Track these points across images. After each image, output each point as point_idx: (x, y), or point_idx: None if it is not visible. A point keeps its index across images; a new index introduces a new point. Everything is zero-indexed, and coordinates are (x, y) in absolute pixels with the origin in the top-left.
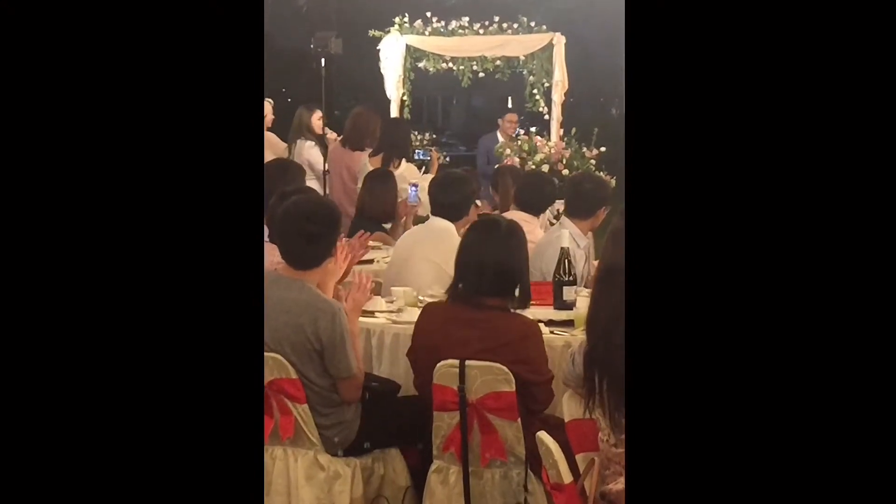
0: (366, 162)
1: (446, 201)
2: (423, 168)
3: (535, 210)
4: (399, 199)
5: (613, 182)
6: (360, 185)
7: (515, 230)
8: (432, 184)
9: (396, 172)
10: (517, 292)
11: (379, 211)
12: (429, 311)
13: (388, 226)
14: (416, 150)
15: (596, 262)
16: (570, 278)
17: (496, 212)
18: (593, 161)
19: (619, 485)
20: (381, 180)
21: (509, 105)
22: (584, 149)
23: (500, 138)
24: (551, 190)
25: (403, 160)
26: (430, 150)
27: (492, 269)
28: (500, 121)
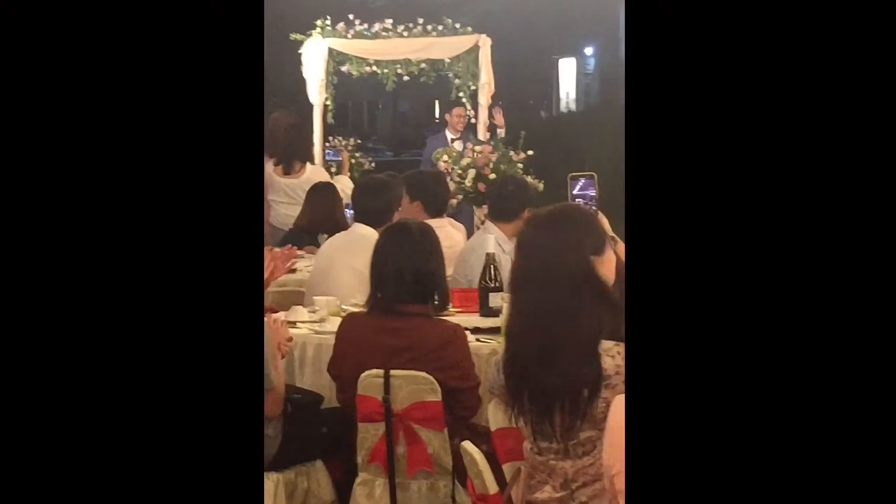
0: (271, 170)
1: (368, 207)
2: (334, 169)
3: (436, 210)
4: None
5: (541, 186)
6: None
7: (427, 233)
8: (355, 190)
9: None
10: (436, 297)
11: (325, 223)
12: (349, 322)
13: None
14: (327, 152)
15: None
16: (496, 284)
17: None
18: (521, 165)
19: (545, 493)
20: (325, 193)
21: (436, 111)
22: (512, 152)
23: (449, 136)
24: (444, 185)
25: (308, 164)
26: (341, 151)
27: (407, 275)
28: (447, 116)
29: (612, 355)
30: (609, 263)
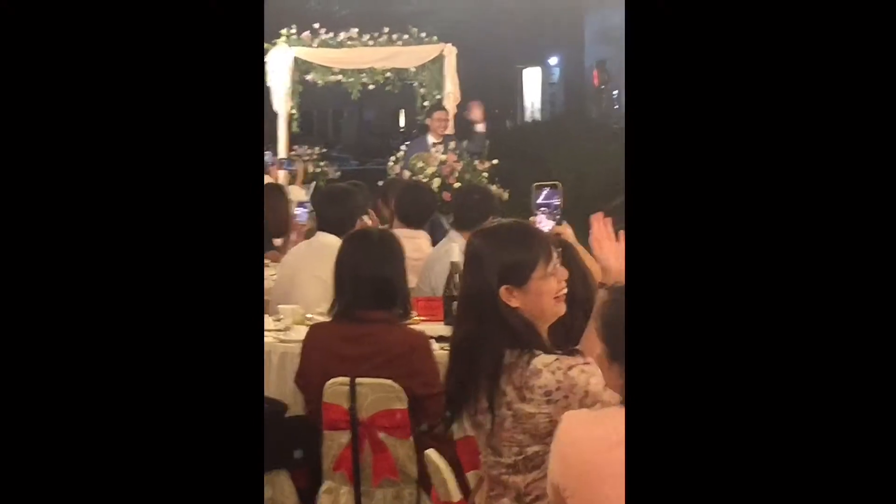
0: None
1: (332, 216)
2: (291, 178)
3: (416, 223)
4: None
5: (506, 195)
6: None
7: (389, 240)
8: (318, 198)
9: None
10: (398, 304)
11: (270, 226)
12: (314, 332)
13: (278, 242)
14: (284, 161)
15: None
16: None
17: (385, 226)
18: (486, 174)
19: None
20: (273, 195)
21: (401, 120)
22: (477, 161)
23: (431, 140)
24: (429, 201)
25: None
26: (294, 160)
27: (370, 282)
28: (428, 120)
29: (553, 371)
30: (538, 287)
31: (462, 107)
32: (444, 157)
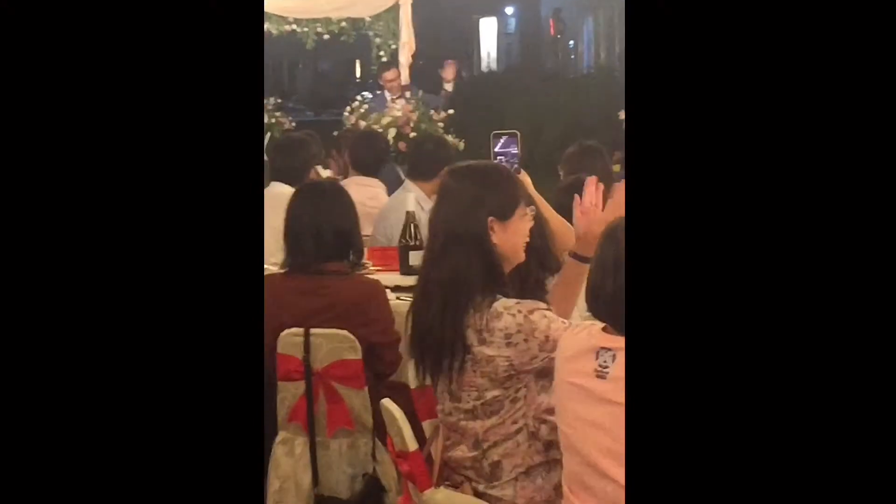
0: None
1: (285, 166)
2: None
3: (370, 170)
4: None
5: (462, 145)
6: None
7: (338, 191)
8: (271, 149)
9: None
10: (351, 254)
11: None
12: (266, 284)
13: None
14: None
15: None
16: (416, 242)
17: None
18: (441, 124)
19: (458, 452)
20: None
21: (357, 71)
22: (433, 111)
23: (388, 96)
24: (383, 147)
25: None
26: None
27: (322, 234)
28: (380, 80)
29: (514, 314)
30: (516, 226)
31: (418, 57)
32: (398, 106)
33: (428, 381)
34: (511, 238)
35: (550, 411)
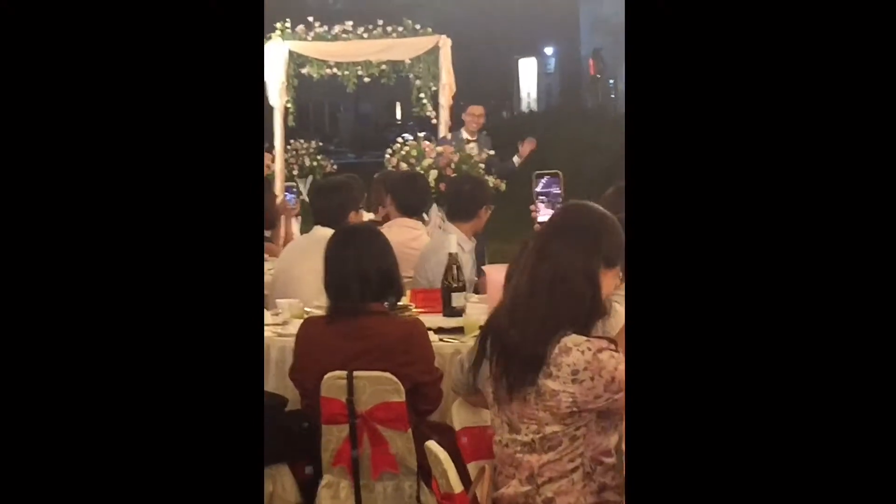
0: None
1: (326, 209)
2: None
3: (414, 211)
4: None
5: (503, 185)
6: None
7: (374, 233)
8: (313, 192)
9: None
10: (391, 295)
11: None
12: (307, 327)
13: (268, 234)
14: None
15: (485, 268)
16: (459, 284)
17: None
18: (482, 164)
19: (511, 488)
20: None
21: (397, 113)
22: (476, 153)
23: (465, 136)
24: (425, 188)
25: None
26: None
27: (360, 276)
28: (463, 116)
29: (583, 350)
30: (611, 278)
31: (458, 98)
32: (440, 148)
33: (502, 398)
34: (606, 286)
35: (608, 453)
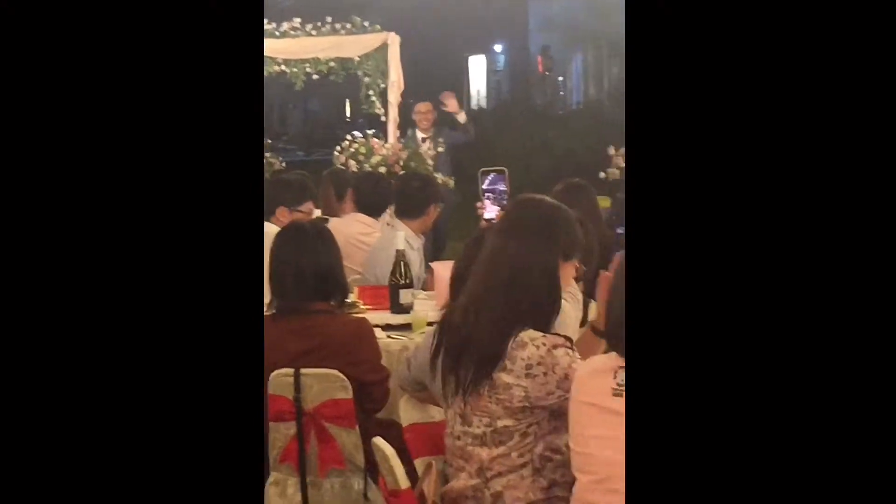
0: None
1: (274, 205)
2: None
3: (374, 212)
4: None
5: (452, 182)
6: None
7: (321, 230)
8: (265, 189)
9: None
10: (337, 293)
11: None
12: None
13: None
14: None
15: (434, 265)
16: (406, 281)
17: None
18: (431, 162)
19: (460, 482)
20: None
21: (346, 111)
22: (422, 149)
23: (419, 135)
24: (387, 189)
25: None
26: None
27: (306, 274)
28: (412, 115)
29: (538, 346)
30: (568, 271)
31: (407, 96)
32: (388, 145)
33: (451, 397)
34: (564, 280)
35: (558, 451)
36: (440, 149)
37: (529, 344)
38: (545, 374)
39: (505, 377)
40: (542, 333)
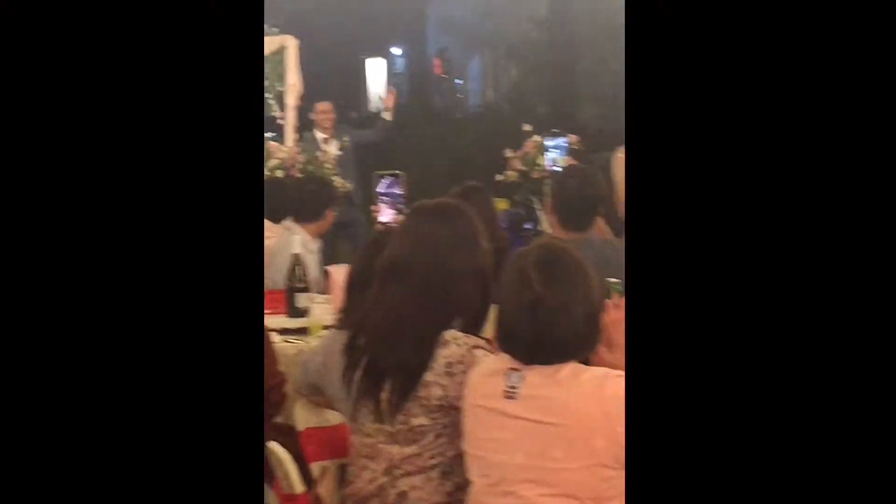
0: None
1: None
2: None
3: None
4: None
5: (350, 186)
6: None
7: None
8: None
9: None
10: None
11: None
12: None
13: None
14: None
15: (330, 268)
16: (303, 285)
17: None
18: (329, 165)
19: (362, 481)
20: None
21: None
22: (319, 153)
23: (319, 135)
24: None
25: None
26: None
27: None
28: (311, 115)
29: (460, 344)
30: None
31: (305, 99)
32: (285, 148)
33: (349, 405)
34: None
35: None
36: (340, 151)
37: (451, 342)
38: (464, 372)
39: (426, 375)
40: (464, 333)
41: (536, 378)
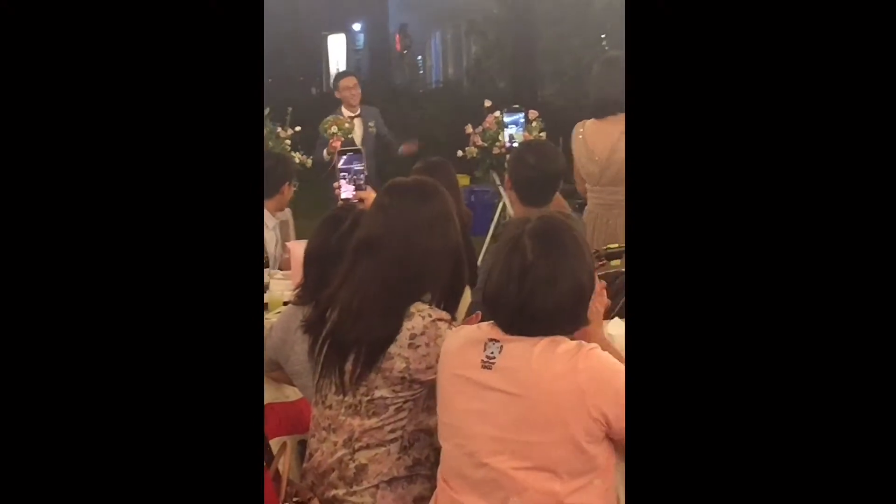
0: None
1: None
2: None
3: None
4: None
5: (310, 162)
6: None
7: None
8: None
9: None
10: None
11: None
12: None
13: None
14: None
15: (289, 244)
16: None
17: None
18: (288, 141)
19: (321, 455)
20: None
21: None
22: (280, 129)
23: (347, 113)
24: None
25: None
26: None
27: None
28: (336, 93)
29: (424, 316)
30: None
31: (266, 75)
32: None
33: (315, 379)
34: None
35: (429, 431)
36: (298, 128)
37: (416, 315)
38: (427, 345)
39: (390, 348)
40: (429, 306)
41: (515, 349)
